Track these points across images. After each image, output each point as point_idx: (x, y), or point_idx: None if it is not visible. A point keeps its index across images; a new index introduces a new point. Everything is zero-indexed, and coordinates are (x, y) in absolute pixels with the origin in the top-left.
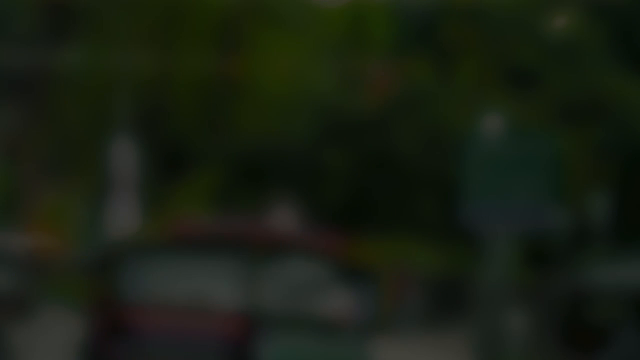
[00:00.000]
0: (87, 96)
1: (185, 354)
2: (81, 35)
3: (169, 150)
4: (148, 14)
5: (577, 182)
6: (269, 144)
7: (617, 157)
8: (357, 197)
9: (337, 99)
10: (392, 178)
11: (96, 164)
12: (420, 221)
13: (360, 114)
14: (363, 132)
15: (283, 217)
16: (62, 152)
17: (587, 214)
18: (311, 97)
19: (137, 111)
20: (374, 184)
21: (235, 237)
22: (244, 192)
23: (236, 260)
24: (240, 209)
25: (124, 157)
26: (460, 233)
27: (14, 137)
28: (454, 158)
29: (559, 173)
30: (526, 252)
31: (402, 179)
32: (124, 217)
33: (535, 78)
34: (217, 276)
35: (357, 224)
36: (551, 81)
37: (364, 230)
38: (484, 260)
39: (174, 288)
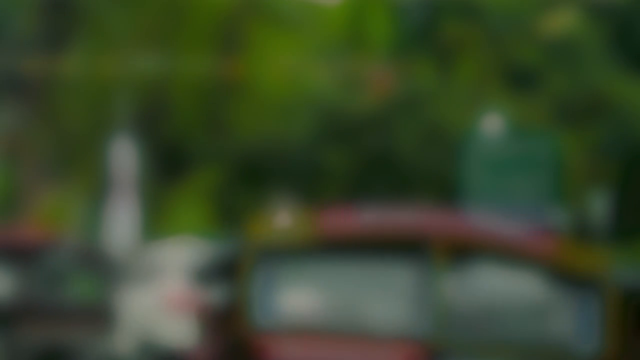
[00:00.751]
0: (87, 96)
1: None
2: (81, 35)
3: (169, 150)
4: (147, 14)
5: (577, 181)
6: (269, 144)
7: (617, 157)
8: (357, 196)
9: (336, 99)
10: (392, 178)
11: (96, 164)
12: None
13: (360, 113)
14: (363, 132)
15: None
16: (62, 152)
17: (586, 214)
18: (311, 97)
19: (137, 111)
20: (374, 183)
21: (409, 234)
22: (244, 192)
23: (409, 266)
24: (240, 209)
25: (124, 157)
26: None
27: (14, 137)
28: (454, 157)
29: (558, 173)
30: None
31: (401, 179)
32: (123, 217)
33: (535, 78)
34: (383, 289)
35: None
36: (551, 81)
37: None
38: None
39: (322, 306)
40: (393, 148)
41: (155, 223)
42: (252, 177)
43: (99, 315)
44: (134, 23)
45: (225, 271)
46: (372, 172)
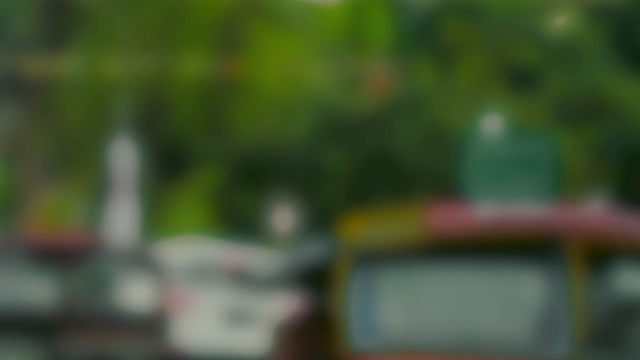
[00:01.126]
0: (87, 96)
1: None
2: (81, 35)
3: (169, 150)
4: (147, 14)
5: (577, 182)
6: (269, 144)
7: (617, 157)
8: (357, 197)
9: (336, 99)
10: (392, 178)
11: (96, 164)
12: None
13: (360, 113)
14: (363, 132)
15: (283, 217)
16: (62, 152)
17: None
18: (311, 97)
19: (137, 111)
20: (374, 183)
21: (537, 233)
22: (244, 192)
23: (538, 271)
24: (240, 209)
25: (124, 157)
26: None
27: (14, 137)
28: (454, 157)
29: (558, 173)
30: None
31: (401, 179)
32: (123, 217)
33: (535, 78)
34: (505, 299)
35: None
36: (551, 81)
37: None
38: None
39: (432, 320)
40: (393, 148)
41: (155, 223)
42: (252, 177)
43: (148, 322)
44: (133, 23)
45: (305, 278)
46: (372, 172)
